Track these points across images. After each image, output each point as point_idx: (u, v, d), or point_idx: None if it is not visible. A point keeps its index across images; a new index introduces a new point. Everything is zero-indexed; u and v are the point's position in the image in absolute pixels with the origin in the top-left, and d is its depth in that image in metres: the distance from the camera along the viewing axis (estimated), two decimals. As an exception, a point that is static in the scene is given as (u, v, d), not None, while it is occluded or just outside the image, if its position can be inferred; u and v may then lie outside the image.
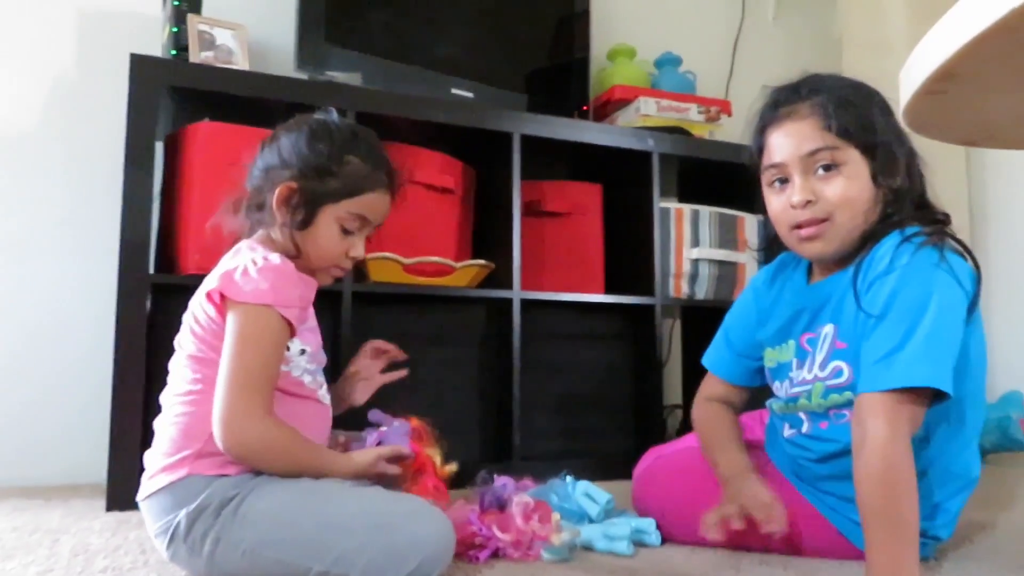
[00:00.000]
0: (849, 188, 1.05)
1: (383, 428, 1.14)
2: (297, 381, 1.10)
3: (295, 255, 1.11)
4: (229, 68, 1.70)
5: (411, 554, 0.90)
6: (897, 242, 1.01)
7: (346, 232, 1.13)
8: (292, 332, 1.05)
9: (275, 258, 1.05)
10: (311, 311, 1.16)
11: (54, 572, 1.04)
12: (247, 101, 1.67)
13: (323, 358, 1.17)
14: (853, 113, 1.06)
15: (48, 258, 1.92)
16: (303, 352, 1.11)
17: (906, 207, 1.06)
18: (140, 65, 1.58)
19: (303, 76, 1.81)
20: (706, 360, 1.33)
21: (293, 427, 1.03)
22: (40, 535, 1.27)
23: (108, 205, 1.75)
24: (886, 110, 1.09)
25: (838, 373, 1.07)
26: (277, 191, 1.10)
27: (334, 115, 1.18)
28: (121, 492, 1.43)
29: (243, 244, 1.11)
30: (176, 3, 1.72)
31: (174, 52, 1.71)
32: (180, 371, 1.06)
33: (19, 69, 1.94)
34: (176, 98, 1.69)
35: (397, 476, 1.08)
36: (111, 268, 1.52)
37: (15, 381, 1.87)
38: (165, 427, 1.04)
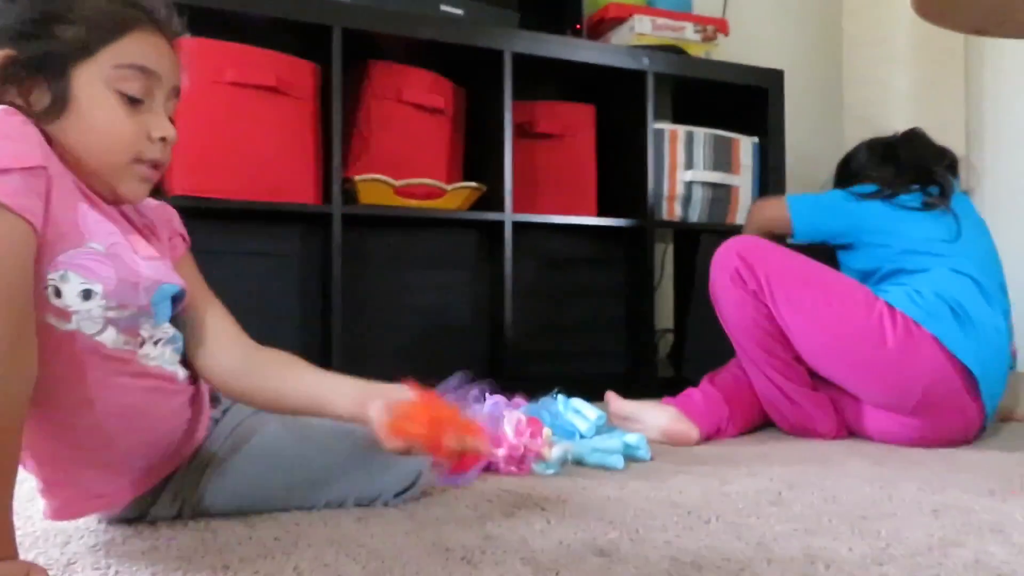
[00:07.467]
0: None
1: None
2: (92, 344, 0.73)
3: (73, 160, 0.74)
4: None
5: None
6: None
7: (132, 101, 0.76)
8: (34, 230, 0.66)
9: None
10: (89, 216, 0.73)
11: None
12: (230, 15, 1.61)
13: (142, 299, 0.76)
14: None
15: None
16: (89, 294, 0.72)
17: None
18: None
19: (287, -10, 1.75)
20: None
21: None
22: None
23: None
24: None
25: None
26: None
27: None
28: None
29: None
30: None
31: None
32: None
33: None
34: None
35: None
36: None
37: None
38: None
